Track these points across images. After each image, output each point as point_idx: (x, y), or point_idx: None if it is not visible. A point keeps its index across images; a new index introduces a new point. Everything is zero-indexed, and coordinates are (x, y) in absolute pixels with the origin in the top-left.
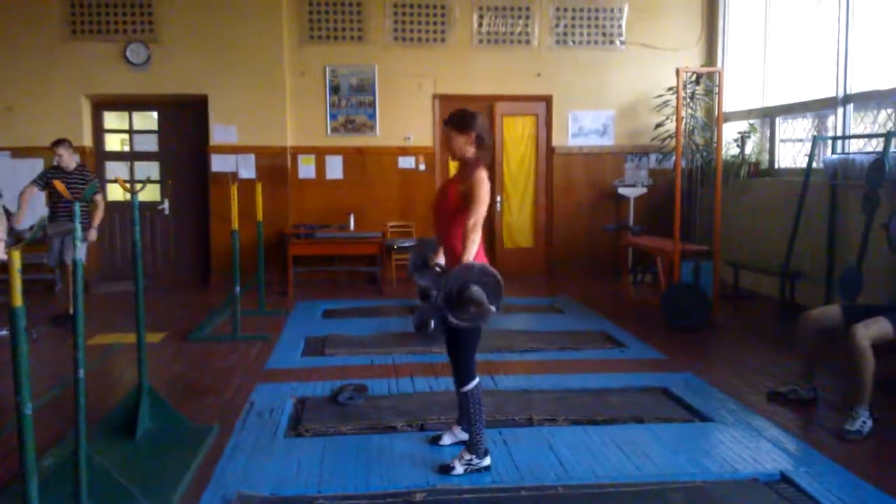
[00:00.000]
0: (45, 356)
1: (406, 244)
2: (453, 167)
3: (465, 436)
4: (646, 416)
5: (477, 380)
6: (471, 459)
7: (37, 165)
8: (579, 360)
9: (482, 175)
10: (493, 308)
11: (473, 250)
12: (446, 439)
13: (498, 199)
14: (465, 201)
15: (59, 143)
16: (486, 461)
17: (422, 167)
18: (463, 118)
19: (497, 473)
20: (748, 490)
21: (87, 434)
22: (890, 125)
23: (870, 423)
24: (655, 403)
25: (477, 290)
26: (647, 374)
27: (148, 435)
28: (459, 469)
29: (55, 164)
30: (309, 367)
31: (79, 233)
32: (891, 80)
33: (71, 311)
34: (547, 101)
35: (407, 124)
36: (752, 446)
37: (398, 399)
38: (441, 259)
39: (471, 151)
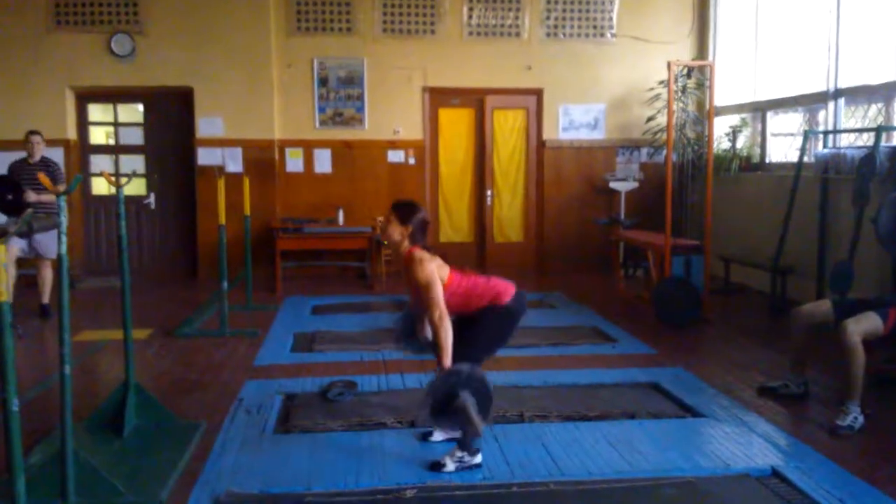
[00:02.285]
0: (32, 352)
1: None
2: (443, 162)
3: (455, 433)
4: (637, 412)
5: None
6: (462, 457)
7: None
8: (570, 356)
9: (420, 265)
10: (482, 422)
11: (449, 347)
12: (437, 436)
13: (488, 193)
14: (420, 291)
15: (37, 132)
16: (478, 458)
17: (411, 161)
18: (406, 210)
19: (488, 470)
20: (740, 485)
21: (74, 431)
22: (881, 119)
23: (861, 418)
24: (647, 399)
25: (466, 399)
26: (639, 370)
27: (135, 432)
28: (451, 466)
29: (23, 155)
30: (298, 364)
31: (64, 227)
32: (882, 74)
33: (45, 302)
34: (537, 94)
35: (396, 117)
36: (744, 442)
37: (388, 395)
38: (428, 332)
39: (404, 245)
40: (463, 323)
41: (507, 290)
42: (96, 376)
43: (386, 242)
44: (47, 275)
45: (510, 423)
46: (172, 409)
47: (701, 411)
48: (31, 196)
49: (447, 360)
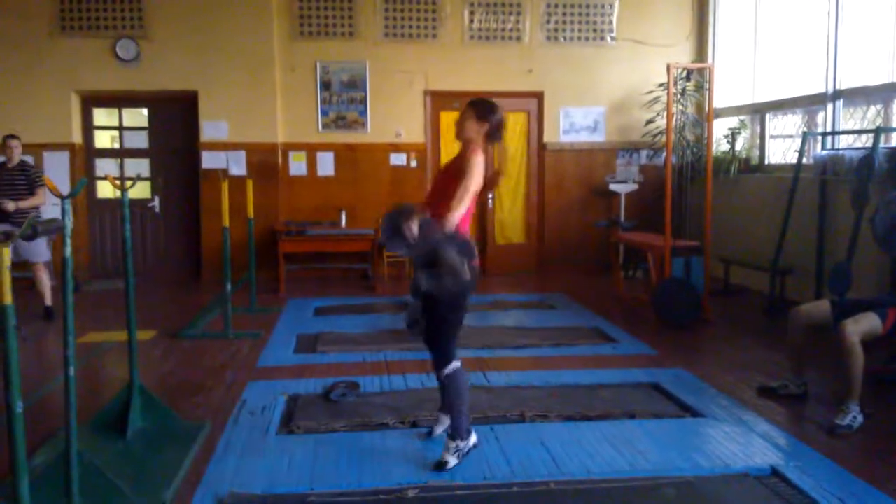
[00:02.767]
0: (36, 354)
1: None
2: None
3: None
4: (637, 412)
5: (457, 362)
6: (458, 445)
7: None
8: (571, 356)
9: (478, 157)
10: (466, 273)
11: (456, 216)
12: (437, 429)
13: (489, 195)
14: (459, 176)
15: (15, 136)
16: (473, 439)
17: (413, 164)
18: (484, 108)
19: (489, 469)
20: (739, 485)
21: (79, 432)
22: (879, 121)
23: (860, 417)
24: (647, 399)
25: (450, 253)
26: (639, 370)
27: (139, 433)
28: (452, 461)
29: (1, 160)
30: (301, 365)
31: (69, 230)
32: (880, 75)
33: (48, 304)
34: (538, 97)
35: (398, 120)
36: (743, 441)
37: (390, 396)
38: (415, 227)
39: (477, 139)
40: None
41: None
42: (101, 378)
43: (458, 138)
44: (42, 278)
45: (511, 423)
46: (176, 411)
47: (701, 411)
48: (10, 205)
49: (449, 220)
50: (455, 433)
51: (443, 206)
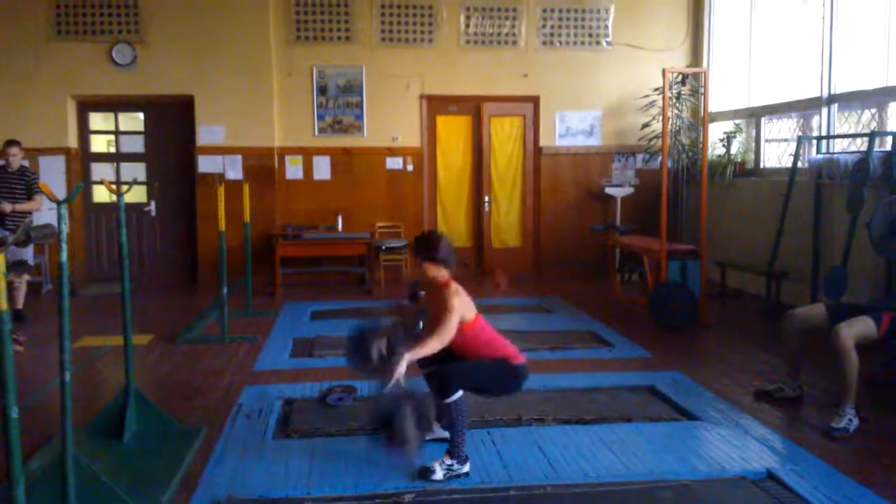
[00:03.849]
0: (32, 359)
1: (394, 245)
2: (441, 169)
3: (444, 433)
4: (634, 415)
5: (461, 394)
6: (451, 465)
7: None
8: (567, 360)
9: (456, 298)
10: (415, 439)
11: (426, 351)
12: (436, 432)
13: (486, 199)
14: (443, 312)
15: (15, 142)
16: (466, 468)
17: (409, 168)
18: (429, 250)
19: (486, 473)
20: (736, 488)
21: (75, 437)
22: (874, 125)
23: (856, 421)
24: (643, 402)
25: (406, 413)
26: (635, 374)
27: (136, 437)
28: (440, 474)
29: (1, 163)
30: (297, 369)
31: (64, 235)
32: (875, 80)
33: (19, 307)
34: (534, 101)
35: (394, 125)
36: (740, 444)
37: None
38: (379, 348)
39: (441, 275)
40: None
41: (518, 354)
42: (97, 382)
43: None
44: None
45: (507, 427)
46: (173, 415)
47: (697, 414)
48: (6, 207)
49: (416, 353)
50: (454, 451)
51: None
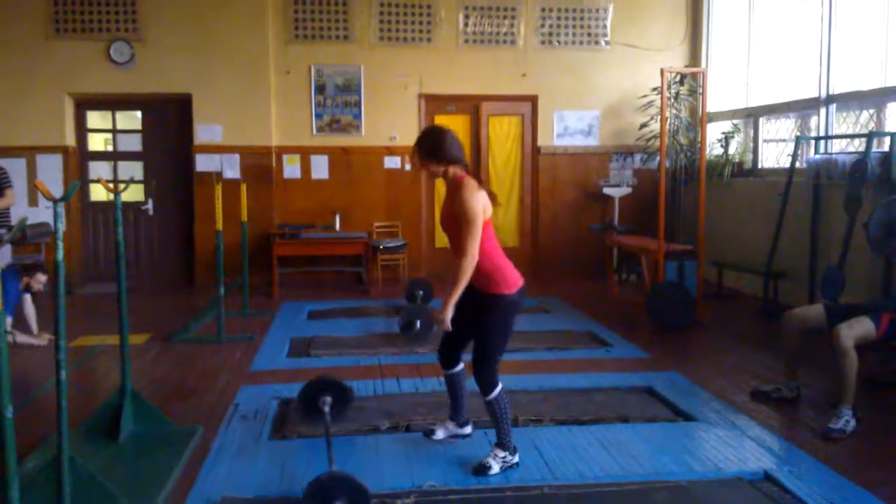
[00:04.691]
0: (27, 358)
1: (392, 244)
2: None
3: (458, 430)
4: (631, 416)
5: (501, 385)
6: (505, 457)
7: (18, 165)
8: (565, 360)
9: (468, 192)
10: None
11: (461, 287)
12: (440, 434)
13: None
14: (460, 220)
15: None
16: (517, 457)
17: (408, 167)
18: (427, 143)
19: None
20: (732, 489)
21: (70, 437)
22: (872, 125)
23: (853, 422)
24: (640, 403)
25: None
26: (632, 374)
27: (131, 437)
28: (496, 467)
29: None
30: (294, 369)
31: (61, 233)
32: (873, 80)
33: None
34: (532, 101)
35: (393, 124)
36: (736, 445)
37: (383, 400)
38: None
39: (450, 172)
40: (466, 314)
41: (517, 280)
42: (93, 382)
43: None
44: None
45: None
46: (169, 415)
47: (694, 415)
48: None
49: (452, 299)
50: (504, 443)
51: (458, 253)
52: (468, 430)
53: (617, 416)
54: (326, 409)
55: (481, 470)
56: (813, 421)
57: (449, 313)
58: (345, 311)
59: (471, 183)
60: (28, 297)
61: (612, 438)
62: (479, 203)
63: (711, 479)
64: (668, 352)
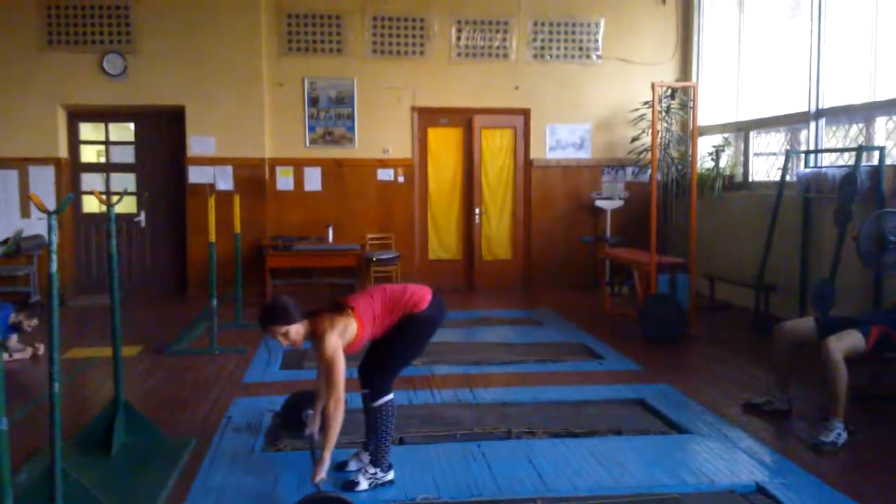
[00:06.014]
0: (21, 370)
1: (384, 256)
2: (432, 181)
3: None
4: (623, 428)
5: (392, 395)
6: (375, 473)
7: (11, 177)
8: (557, 373)
9: (324, 345)
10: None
11: (334, 440)
12: (352, 464)
13: (477, 211)
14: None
15: None
16: (391, 475)
17: (401, 179)
18: (273, 319)
19: (475, 486)
20: (724, 501)
21: (63, 449)
22: (861, 139)
23: (844, 434)
24: (633, 415)
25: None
26: (625, 386)
27: (124, 450)
28: (364, 484)
29: None
30: (287, 381)
31: (54, 245)
32: (862, 95)
33: None
34: (525, 114)
35: (386, 137)
36: (729, 458)
37: None
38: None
39: (307, 332)
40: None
41: (423, 298)
42: (85, 394)
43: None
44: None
45: (497, 440)
46: (161, 427)
47: (686, 427)
48: None
49: (328, 452)
50: (377, 461)
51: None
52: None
53: (609, 429)
54: (308, 420)
55: (349, 486)
56: (805, 433)
57: (326, 466)
58: None
59: (321, 328)
60: (14, 337)
61: (604, 451)
62: (334, 346)
63: (704, 491)
64: (661, 364)
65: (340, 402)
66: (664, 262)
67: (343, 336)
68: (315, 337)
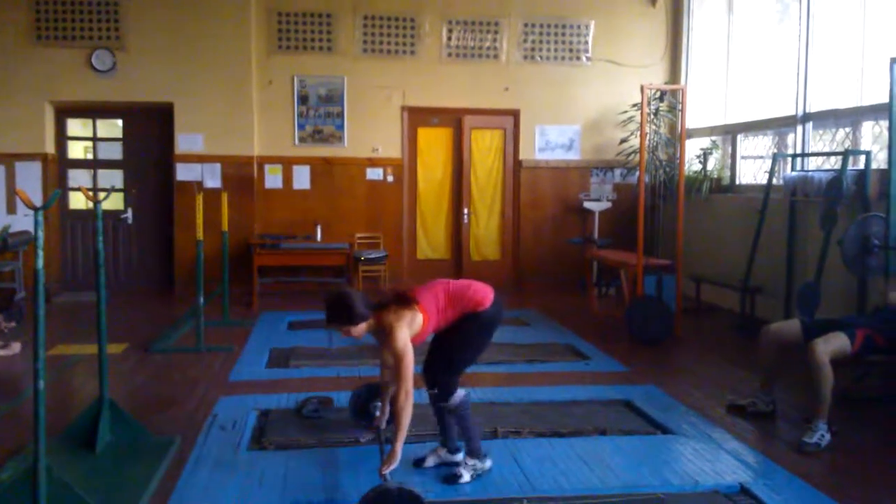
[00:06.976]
0: (4, 366)
1: (373, 255)
2: (422, 180)
3: (450, 457)
4: (609, 429)
5: (462, 391)
6: (475, 464)
7: None
8: (544, 373)
9: (395, 339)
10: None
11: (405, 431)
12: (430, 461)
13: (466, 211)
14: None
15: None
16: (488, 463)
17: (390, 178)
18: (342, 314)
19: (461, 486)
20: (708, 502)
21: (47, 447)
22: (848, 143)
23: (828, 436)
24: (618, 416)
25: None
26: (611, 387)
27: (109, 448)
28: (466, 476)
29: None
30: (273, 380)
31: (41, 241)
32: (849, 99)
33: None
34: (514, 114)
35: (375, 136)
36: (713, 458)
37: None
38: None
39: (376, 325)
40: (440, 332)
41: (486, 297)
42: (70, 391)
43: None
44: None
45: (484, 440)
46: (146, 425)
47: (671, 428)
48: None
49: (399, 444)
50: (473, 451)
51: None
52: (459, 457)
53: (595, 429)
54: (377, 413)
55: (451, 479)
56: (788, 435)
57: (398, 457)
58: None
59: (391, 321)
60: None
61: (590, 451)
62: (404, 340)
63: (688, 491)
64: (647, 365)
65: (410, 394)
66: (651, 263)
67: (410, 327)
68: (383, 330)
